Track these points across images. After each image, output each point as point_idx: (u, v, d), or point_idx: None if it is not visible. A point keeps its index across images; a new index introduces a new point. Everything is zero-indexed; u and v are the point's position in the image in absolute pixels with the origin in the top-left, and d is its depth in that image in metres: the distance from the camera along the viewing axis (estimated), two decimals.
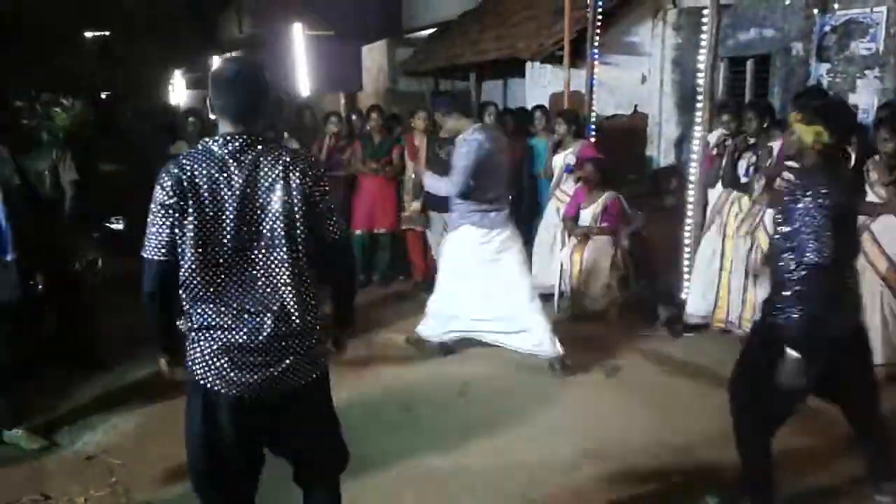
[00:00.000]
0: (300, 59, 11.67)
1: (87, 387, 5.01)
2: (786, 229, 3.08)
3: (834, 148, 3.10)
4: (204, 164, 2.37)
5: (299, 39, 11.84)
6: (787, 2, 7.11)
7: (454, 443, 4.25)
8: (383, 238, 7.36)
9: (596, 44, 7.70)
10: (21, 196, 4.36)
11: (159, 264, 2.40)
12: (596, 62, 7.74)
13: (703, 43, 5.82)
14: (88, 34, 26.19)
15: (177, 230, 2.36)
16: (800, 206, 2.99)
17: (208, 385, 2.44)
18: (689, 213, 6.00)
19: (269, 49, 14.00)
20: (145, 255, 2.41)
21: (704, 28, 5.80)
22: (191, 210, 2.34)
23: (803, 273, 2.96)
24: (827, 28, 6.72)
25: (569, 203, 6.69)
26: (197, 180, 2.34)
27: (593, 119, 7.79)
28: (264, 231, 2.40)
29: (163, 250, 2.38)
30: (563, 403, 4.78)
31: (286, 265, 2.42)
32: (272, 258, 2.41)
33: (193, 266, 2.36)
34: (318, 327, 2.56)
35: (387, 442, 4.16)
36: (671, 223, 6.57)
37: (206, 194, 2.34)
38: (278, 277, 2.42)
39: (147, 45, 24.37)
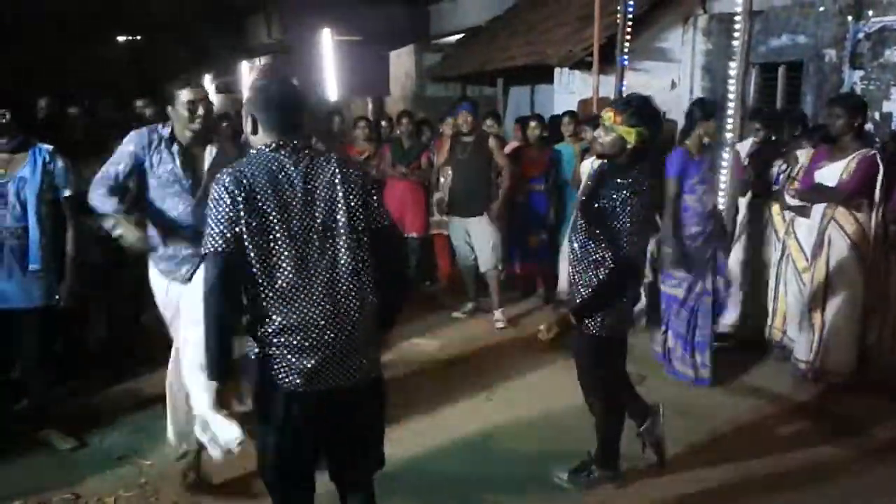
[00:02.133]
0: (328, 65, 11.73)
1: (119, 388, 5.07)
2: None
3: (647, 145, 3.43)
4: (263, 167, 2.52)
5: (328, 45, 11.89)
6: (821, 8, 7.03)
7: (479, 449, 4.27)
8: (412, 243, 7.34)
9: (625, 50, 7.67)
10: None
11: (221, 256, 2.44)
12: (625, 68, 7.70)
13: (734, 49, 5.78)
14: (119, 38, 26.49)
15: (242, 231, 2.44)
16: (622, 198, 3.33)
17: (289, 387, 2.54)
18: None
19: (297, 54, 14.10)
20: (206, 251, 2.47)
21: (735, 34, 5.76)
22: (254, 211, 2.45)
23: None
24: (861, 35, 6.64)
25: None
26: (258, 182, 2.48)
27: None
28: (329, 223, 2.54)
29: (223, 244, 2.44)
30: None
31: (350, 256, 2.55)
32: (339, 249, 2.54)
33: (271, 265, 2.47)
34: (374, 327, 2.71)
35: (411, 448, 4.16)
36: None
37: (269, 194, 2.48)
38: (345, 270, 2.55)
39: (176, 50, 24.61)
